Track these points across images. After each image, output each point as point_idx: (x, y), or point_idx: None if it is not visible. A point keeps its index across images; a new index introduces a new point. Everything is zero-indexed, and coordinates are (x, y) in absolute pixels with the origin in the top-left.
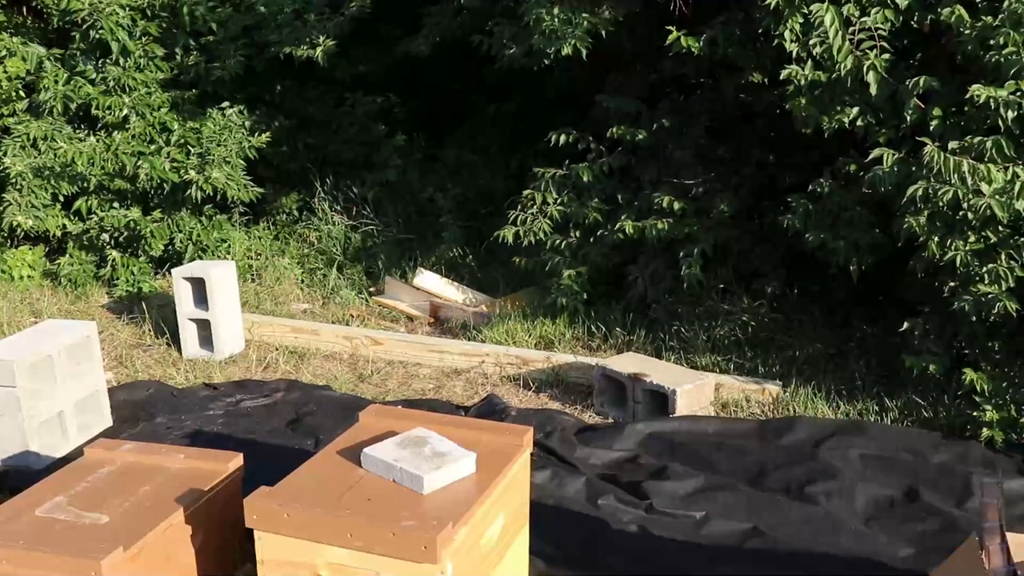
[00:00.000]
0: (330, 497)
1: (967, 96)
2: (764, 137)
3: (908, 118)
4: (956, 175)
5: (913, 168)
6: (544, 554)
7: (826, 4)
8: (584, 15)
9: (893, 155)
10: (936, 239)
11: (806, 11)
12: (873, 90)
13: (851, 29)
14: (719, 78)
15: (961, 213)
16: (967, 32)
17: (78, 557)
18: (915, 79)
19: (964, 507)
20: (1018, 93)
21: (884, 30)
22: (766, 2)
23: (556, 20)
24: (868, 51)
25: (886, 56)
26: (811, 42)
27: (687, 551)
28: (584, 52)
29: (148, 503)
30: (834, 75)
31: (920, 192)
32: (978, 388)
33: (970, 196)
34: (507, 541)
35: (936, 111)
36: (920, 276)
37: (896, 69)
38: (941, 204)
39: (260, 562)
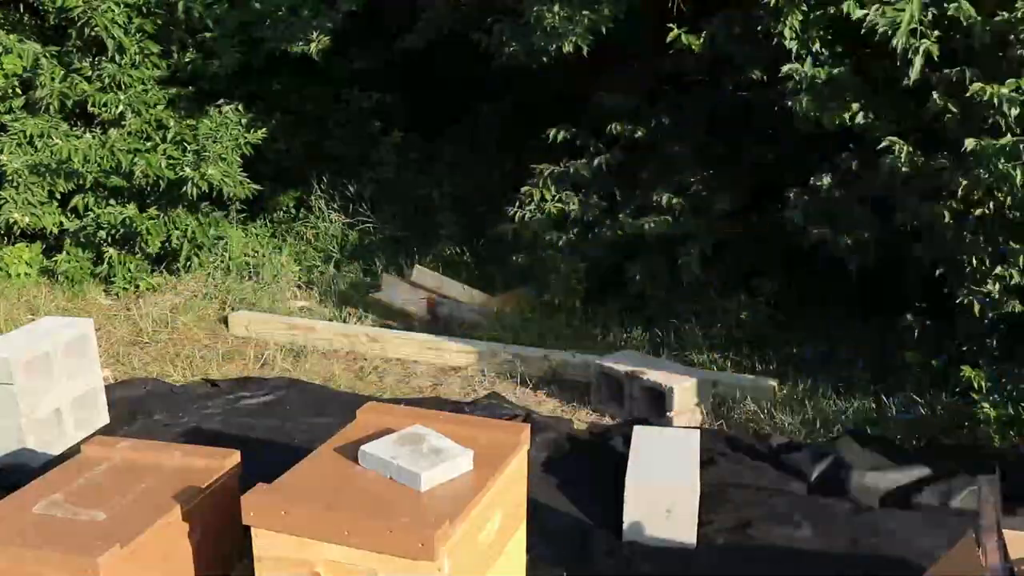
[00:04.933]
0: (327, 494)
1: (967, 95)
2: (763, 134)
3: (932, 109)
4: (991, 168)
5: (921, 161)
6: (539, 551)
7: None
8: (585, 12)
9: (903, 145)
10: (950, 233)
11: (806, 9)
12: (914, 74)
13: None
14: (718, 75)
15: (974, 208)
16: (976, 28)
17: (75, 554)
18: (952, 70)
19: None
20: (1019, 91)
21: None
22: (766, 0)
23: (557, 17)
24: (927, 31)
25: (935, 44)
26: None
27: (681, 552)
28: (585, 49)
29: (145, 500)
30: (836, 71)
31: (935, 184)
32: (976, 385)
33: (995, 191)
34: (504, 538)
35: (953, 107)
36: (920, 273)
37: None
38: (957, 197)
39: (257, 559)
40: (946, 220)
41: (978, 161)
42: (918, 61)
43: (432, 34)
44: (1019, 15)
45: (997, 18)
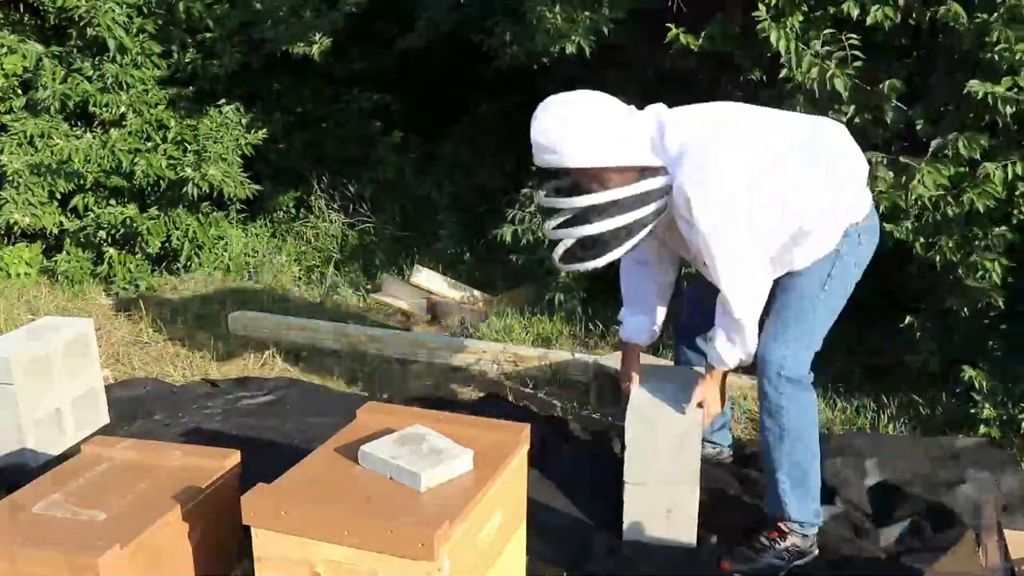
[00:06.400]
0: (327, 494)
1: (963, 92)
2: None
3: (888, 122)
4: (929, 177)
5: (904, 170)
6: (539, 551)
7: (767, 23)
8: (586, 13)
9: (882, 157)
10: (921, 241)
11: (806, 9)
12: (844, 97)
13: (814, 43)
14: (718, 75)
15: (941, 212)
16: (962, 29)
17: (75, 555)
18: (886, 82)
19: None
20: (1015, 89)
21: (855, 39)
22: (766, 1)
23: (559, 18)
24: (830, 63)
25: (857, 64)
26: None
27: (681, 552)
28: (587, 50)
29: (145, 500)
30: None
31: (903, 196)
32: (976, 385)
33: (950, 197)
34: (504, 538)
35: (921, 112)
36: (916, 274)
37: (888, 69)
38: (924, 205)
39: (257, 559)
40: (922, 226)
41: (951, 157)
42: (840, 84)
43: (432, 35)
44: (997, 15)
45: (977, 20)
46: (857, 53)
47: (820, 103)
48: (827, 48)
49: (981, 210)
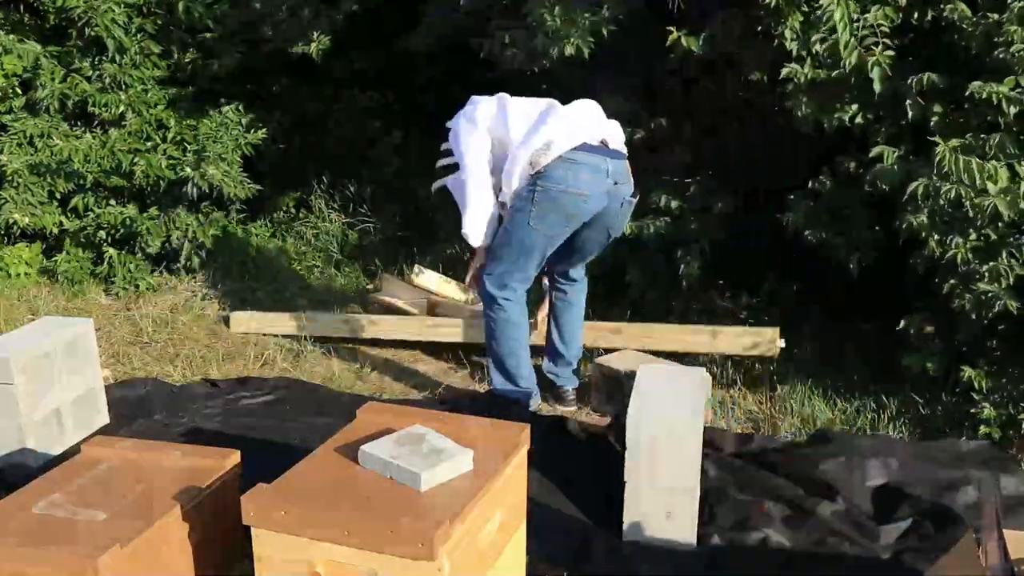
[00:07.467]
0: (327, 494)
1: (967, 93)
2: (764, 135)
3: (909, 115)
4: (965, 174)
5: (915, 166)
6: (539, 551)
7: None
8: (586, 14)
9: (894, 153)
10: (936, 237)
11: (806, 10)
12: (877, 87)
13: (856, 25)
14: (718, 76)
15: (962, 211)
16: (970, 29)
17: (75, 554)
18: (918, 76)
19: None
20: (1018, 90)
21: (887, 27)
22: (766, 1)
23: (558, 20)
24: (872, 47)
25: (889, 53)
26: (813, 38)
27: (681, 552)
28: (587, 52)
29: (145, 500)
30: (835, 72)
31: (920, 189)
32: (976, 386)
33: (972, 195)
34: (504, 538)
35: (937, 108)
36: (919, 274)
37: (897, 66)
38: (942, 202)
39: (257, 559)
40: (937, 222)
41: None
42: (876, 73)
43: (433, 38)
44: (1009, 15)
45: (986, 20)
46: (888, 42)
47: (826, 104)
48: (864, 33)
49: (1011, 215)
